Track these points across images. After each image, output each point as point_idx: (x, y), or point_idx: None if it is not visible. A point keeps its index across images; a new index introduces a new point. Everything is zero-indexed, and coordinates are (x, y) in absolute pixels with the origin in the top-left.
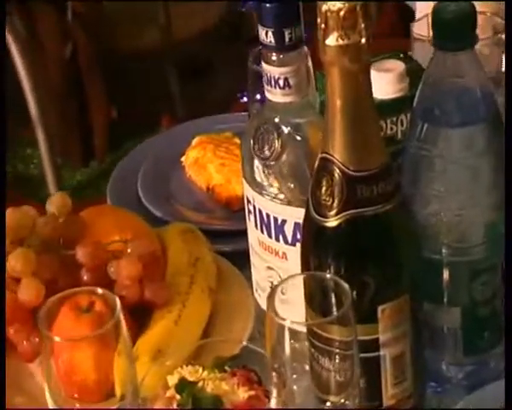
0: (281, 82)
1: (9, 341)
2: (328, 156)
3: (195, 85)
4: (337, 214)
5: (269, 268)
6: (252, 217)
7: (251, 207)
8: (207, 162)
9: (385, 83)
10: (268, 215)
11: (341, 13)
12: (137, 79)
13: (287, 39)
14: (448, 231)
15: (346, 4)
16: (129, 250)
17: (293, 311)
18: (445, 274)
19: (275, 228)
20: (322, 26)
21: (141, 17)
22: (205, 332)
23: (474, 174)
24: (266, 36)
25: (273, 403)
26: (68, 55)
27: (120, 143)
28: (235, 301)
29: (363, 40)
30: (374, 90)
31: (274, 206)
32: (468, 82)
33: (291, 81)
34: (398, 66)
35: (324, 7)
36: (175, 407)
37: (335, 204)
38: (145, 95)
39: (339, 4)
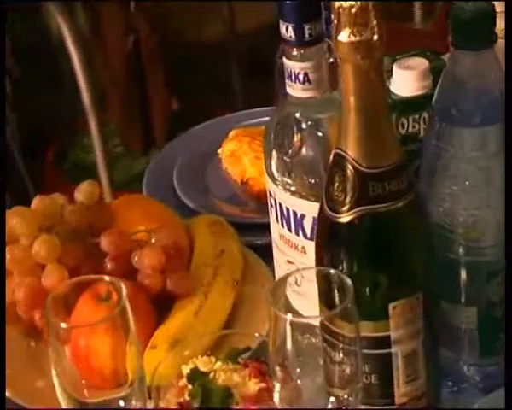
0: (301, 77)
1: (31, 325)
2: (342, 152)
3: (256, 79)
4: (349, 210)
5: (289, 262)
6: (273, 211)
7: (272, 201)
8: (242, 155)
9: (407, 80)
10: (288, 209)
11: (353, 9)
12: (199, 71)
13: (307, 35)
14: (464, 231)
15: (359, 1)
16: (153, 240)
17: (309, 304)
18: (461, 274)
19: (294, 222)
20: (335, 22)
21: (204, 9)
22: (227, 323)
23: (490, 175)
24: (287, 31)
25: (276, 398)
26: (130, 46)
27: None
28: (259, 294)
29: (375, 37)
30: (396, 87)
31: (293, 200)
32: (485, 82)
33: (311, 76)
34: (422, 63)
35: (337, 3)
36: (186, 396)
37: (347, 200)
38: (206, 87)
39: (351, 1)
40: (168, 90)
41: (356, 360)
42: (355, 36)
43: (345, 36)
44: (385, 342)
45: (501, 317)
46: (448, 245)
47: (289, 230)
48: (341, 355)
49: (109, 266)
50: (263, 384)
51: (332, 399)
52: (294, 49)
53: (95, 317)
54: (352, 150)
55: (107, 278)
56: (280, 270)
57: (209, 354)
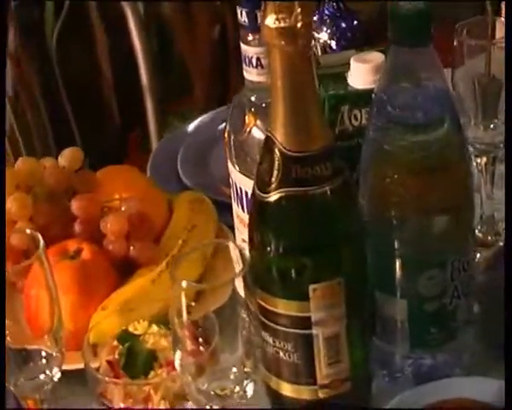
0: (254, 61)
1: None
2: (270, 135)
3: None
4: (273, 191)
5: (243, 240)
6: (232, 191)
7: (231, 182)
8: None
9: (361, 73)
10: (241, 189)
11: None
12: None
13: (259, 20)
14: (395, 224)
15: None
16: (123, 209)
17: None
18: (392, 266)
19: (246, 202)
20: (263, 7)
21: None
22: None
23: (422, 168)
24: (241, 16)
25: (176, 365)
26: (217, 36)
27: None
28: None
29: (299, 25)
30: (352, 79)
31: (246, 180)
32: (420, 79)
33: (264, 61)
34: (378, 58)
35: None
36: (116, 356)
37: (272, 181)
38: None
39: None
40: None
41: (255, 331)
42: (279, 22)
43: (270, 21)
44: (306, 322)
45: (432, 312)
46: (379, 237)
47: (242, 209)
48: (246, 326)
49: (77, 228)
50: (192, 347)
51: (234, 369)
52: (249, 34)
53: (56, 272)
54: (278, 133)
55: (28, 231)
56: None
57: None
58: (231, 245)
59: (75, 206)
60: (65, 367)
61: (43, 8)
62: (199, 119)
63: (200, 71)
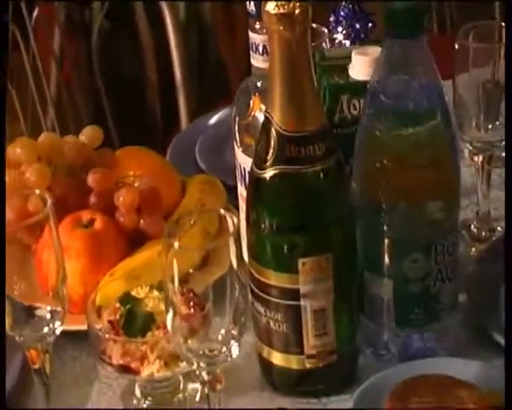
0: (260, 48)
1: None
2: (268, 115)
3: None
4: (268, 168)
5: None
6: (237, 172)
7: (236, 162)
8: None
9: (361, 65)
10: (244, 169)
11: None
12: None
13: None
14: (384, 208)
15: None
16: (136, 184)
17: None
18: (380, 247)
19: None
20: None
21: None
22: None
23: (411, 157)
24: (249, 5)
25: (168, 326)
26: None
27: None
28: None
29: (297, 11)
30: (353, 71)
31: (248, 160)
32: (413, 69)
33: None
34: (377, 51)
35: None
36: (117, 316)
37: (268, 158)
38: None
39: None
40: None
41: (243, 299)
42: (279, 8)
43: (270, 7)
44: (295, 294)
45: (417, 293)
46: (369, 220)
47: (245, 187)
48: (237, 292)
49: (92, 200)
50: (188, 311)
51: (222, 331)
52: (256, 23)
53: (70, 241)
54: (275, 114)
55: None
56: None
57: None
58: (221, 211)
59: (91, 179)
60: (72, 328)
61: (89, 8)
62: (221, 111)
63: (238, 72)
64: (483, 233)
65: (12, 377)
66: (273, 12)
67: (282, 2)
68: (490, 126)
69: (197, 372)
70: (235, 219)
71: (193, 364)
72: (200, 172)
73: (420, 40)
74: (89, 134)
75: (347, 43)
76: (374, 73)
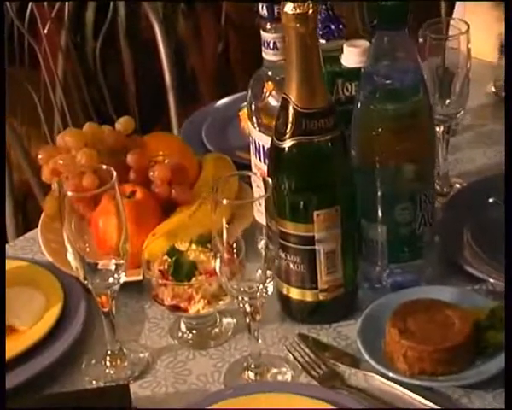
0: (271, 45)
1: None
2: (286, 96)
3: None
4: (287, 139)
5: (258, 187)
6: (252, 147)
7: (251, 139)
8: None
9: (352, 55)
10: (259, 144)
11: None
12: None
13: (276, 12)
14: (377, 167)
15: None
16: (166, 161)
17: None
18: (375, 199)
19: (263, 153)
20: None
21: None
22: None
23: (398, 124)
24: (262, 9)
25: (217, 271)
26: (220, 51)
27: None
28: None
29: (311, 11)
30: (345, 59)
31: (262, 136)
32: (399, 55)
33: (279, 45)
34: (364, 44)
35: None
36: (166, 266)
37: (287, 131)
38: None
39: None
40: None
41: (275, 247)
42: (295, 9)
43: (288, 8)
44: (311, 240)
45: (405, 235)
46: (365, 177)
47: (259, 159)
48: (269, 244)
49: (132, 176)
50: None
51: (259, 272)
52: (268, 24)
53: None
54: (292, 94)
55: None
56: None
57: (189, 241)
58: (253, 177)
59: (130, 159)
60: (130, 279)
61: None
62: (225, 99)
63: (208, 79)
64: (444, 189)
65: (78, 321)
66: (290, 12)
67: (298, 4)
68: (447, 102)
69: (240, 305)
70: (267, 180)
71: (237, 298)
72: (206, 151)
73: (404, 32)
74: (123, 123)
75: (323, 41)
76: (367, 59)
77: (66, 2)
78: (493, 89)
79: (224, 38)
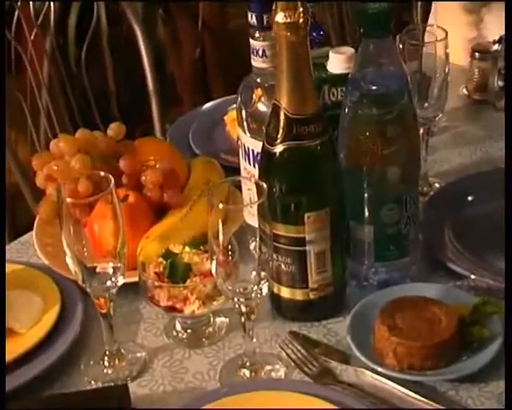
0: (260, 52)
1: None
2: (276, 102)
3: None
4: (279, 144)
5: (249, 189)
6: (240, 151)
7: (240, 143)
8: None
9: (337, 62)
10: (248, 148)
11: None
12: None
13: (265, 22)
14: (364, 170)
15: None
16: (157, 166)
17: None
18: (362, 201)
19: (252, 157)
20: (274, 7)
21: None
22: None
23: (383, 127)
24: (251, 18)
25: (213, 272)
26: (197, 56)
27: None
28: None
29: (301, 20)
30: (331, 66)
31: (252, 141)
32: (384, 61)
33: (267, 52)
34: (349, 50)
35: None
36: (161, 268)
37: (278, 137)
38: None
39: None
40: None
41: (269, 250)
42: (286, 18)
43: (279, 17)
44: (301, 242)
45: (391, 235)
46: (353, 180)
47: (249, 163)
48: (263, 246)
49: (124, 180)
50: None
51: (254, 273)
52: (257, 32)
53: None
54: (282, 101)
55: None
56: (244, 194)
57: (182, 244)
58: (243, 180)
59: (122, 164)
60: (126, 280)
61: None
62: (209, 103)
63: (186, 82)
64: (424, 188)
65: (76, 322)
66: (282, 21)
67: (290, 13)
68: (425, 105)
69: (236, 306)
70: (262, 185)
71: (233, 299)
72: (193, 154)
73: (388, 39)
74: (115, 129)
75: None
76: (354, 66)
77: (52, 7)
78: (465, 91)
79: (201, 43)
